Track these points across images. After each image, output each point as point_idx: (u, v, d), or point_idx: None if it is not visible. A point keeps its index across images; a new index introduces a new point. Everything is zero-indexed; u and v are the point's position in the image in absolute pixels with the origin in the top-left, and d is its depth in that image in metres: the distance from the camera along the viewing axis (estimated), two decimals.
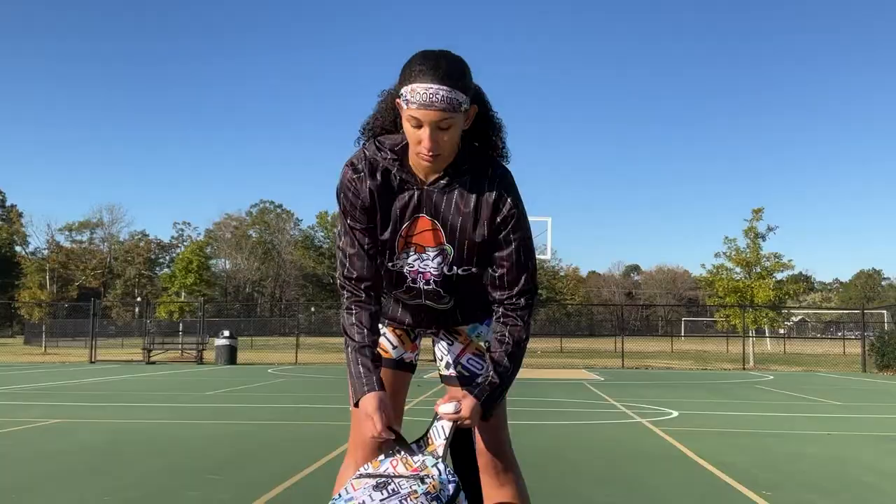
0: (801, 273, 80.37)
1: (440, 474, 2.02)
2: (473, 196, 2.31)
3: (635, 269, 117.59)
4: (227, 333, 27.49)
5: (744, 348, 29.98)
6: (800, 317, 62.99)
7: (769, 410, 12.02)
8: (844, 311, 71.21)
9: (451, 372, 2.54)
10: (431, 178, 2.31)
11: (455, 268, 2.35)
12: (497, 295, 2.34)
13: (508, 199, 2.30)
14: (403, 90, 2.18)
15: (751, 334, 32.04)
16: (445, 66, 2.17)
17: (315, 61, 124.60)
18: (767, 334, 45.11)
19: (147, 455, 6.73)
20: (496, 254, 2.33)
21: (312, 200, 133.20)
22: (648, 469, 6.29)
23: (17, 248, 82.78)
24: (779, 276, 32.46)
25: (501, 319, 2.34)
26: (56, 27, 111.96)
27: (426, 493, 1.95)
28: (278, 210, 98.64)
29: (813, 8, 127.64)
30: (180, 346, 32.61)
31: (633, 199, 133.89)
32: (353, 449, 2.54)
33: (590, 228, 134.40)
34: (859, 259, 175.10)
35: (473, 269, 2.36)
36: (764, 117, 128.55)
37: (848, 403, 13.52)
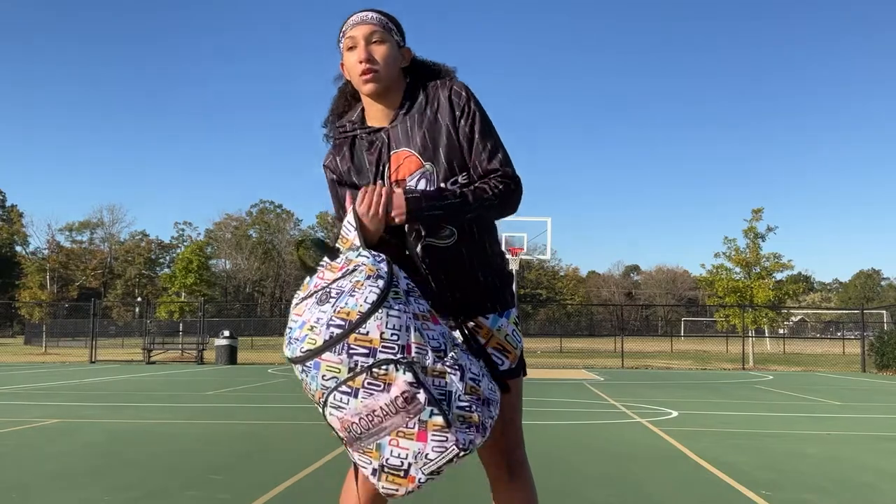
0: (800, 273, 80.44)
1: (370, 258, 1.99)
2: (431, 106, 2.33)
3: (635, 269, 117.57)
4: (227, 333, 27.48)
5: (743, 348, 29.99)
6: (799, 317, 63.00)
7: (769, 410, 12.03)
8: (844, 312, 71.21)
9: None
10: (391, 118, 2.35)
11: (444, 185, 2.30)
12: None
13: (462, 93, 2.32)
14: (340, 34, 2.35)
15: (750, 334, 32.05)
16: (374, 7, 2.36)
17: (316, 60, 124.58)
18: (767, 334, 45.13)
19: (147, 455, 6.73)
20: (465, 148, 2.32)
21: (312, 200, 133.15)
22: (648, 469, 6.29)
23: (18, 248, 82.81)
24: (778, 276, 32.51)
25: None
26: (56, 27, 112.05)
27: (367, 277, 1.93)
28: (278, 210, 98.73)
29: (813, 9, 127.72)
30: (180, 346, 32.63)
31: (633, 199, 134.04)
32: None
33: (590, 228, 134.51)
34: (859, 259, 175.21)
35: (460, 179, 2.30)
36: (764, 117, 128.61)
37: (847, 403, 13.52)
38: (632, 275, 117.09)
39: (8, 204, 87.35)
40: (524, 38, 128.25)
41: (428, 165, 2.31)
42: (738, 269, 32.00)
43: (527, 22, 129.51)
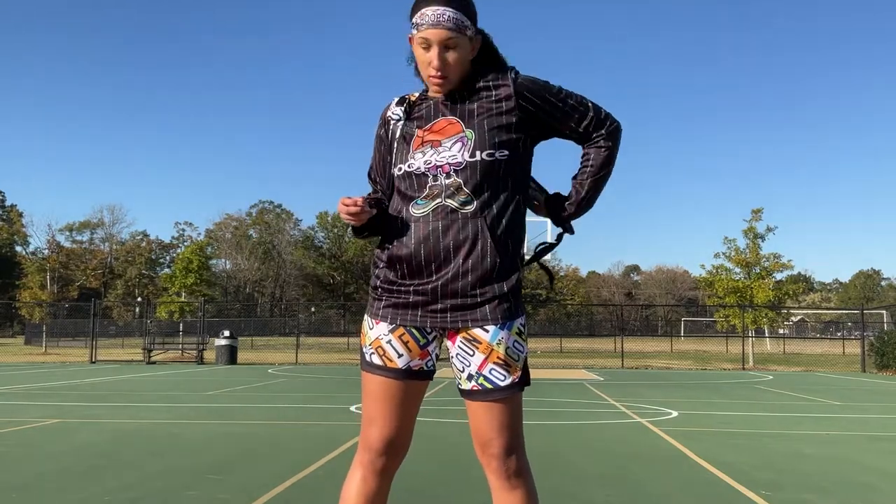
0: (800, 273, 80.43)
1: None
2: (489, 92, 2.41)
3: (635, 269, 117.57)
4: (227, 333, 27.47)
5: (743, 348, 29.98)
6: (799, 317, 63.01)
7: (769, 410, 12.02)
8: (844, 312, 71.22)
9: (473, 385, 2.38)
10: (447, 95, 2.44)
11: (478, 153, 2.35)
12: (585, 141, 2.48)
13: (523, 75, 2.43)
14: (414, 18, 2.35)
15: (750, 334, 32.04)
16: None
17: (316, 63, 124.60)
18: (767, 334, 45.13)
19: (147, 455, 6.73)
20: (556, 120, 2.42)
21: (312, 200, 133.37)
22: (648, 469, 6.29)
23: (18, 249, 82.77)
24: (778, 276, 32.51)
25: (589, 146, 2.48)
26: (57, 26, 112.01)
27: None
28: (278, 210, 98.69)
29: (811, 9, 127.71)
30: (180, 346, 32.62)
31: (633, 199, 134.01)
32: (361, 447, 2.45)
33: (590, 228, 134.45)
34: (859, 259, 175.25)
35: (497, 154, 2.36)
36: (764, 117, 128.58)
37: (847, 403, 13.52)
38: (632, 275, 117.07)
39: (8, 204, 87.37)
40: (520, 35, 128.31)
41: (468, 132, 2.37)
42: (737, 270, 32.00)
43: (524, 16, 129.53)
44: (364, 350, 2.46)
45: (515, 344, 2.38)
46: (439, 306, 2.37)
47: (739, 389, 16.95)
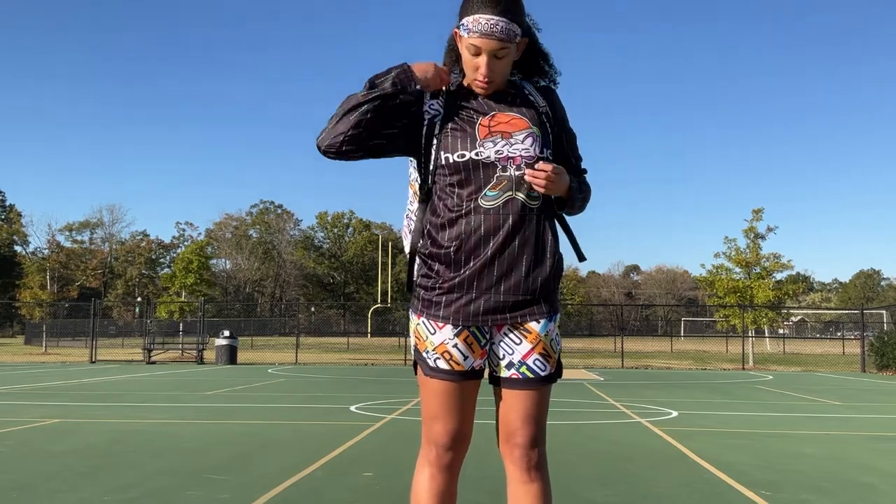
0: (800, 273, 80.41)
1: None
2: (526, 96, 2.50)
3: (635, 269, 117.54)
4: (227, 333, 27.47)
5: (743, 348, 29.99)
6: (799, 317, 63.01)
7: (769, 410, 12.03)
8: (844, 312, 71.22)
9: (513, 373, 2.42)
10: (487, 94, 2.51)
11: (545, 150, 2.43)
12: None
13: (556, 93, 2.57)
14: (465, 20, 2.37)
15: (750, 334, 32.04)
16: (505, 1, 2.36)
17: (316, 62, 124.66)
18: (767, 334, 45.13)
19: (147, 455, 6.73)
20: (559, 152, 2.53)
21: (312, 201, 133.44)
22: (648, 469, 6.29)
23: (18, 248, 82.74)
24: (778, 276, 32.52)
25: None
26: (56, 24, 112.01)
27: None
28: (278, 210, 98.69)
29: (812, 11, 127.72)
30: (181, 345, 32.62)
31: (633, 199, 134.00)
32: (427, 444, 2.47)
33: (590, 228, 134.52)
34: (859, 259, 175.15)
35: (550, 155, 2.45)
36: (763, 117, 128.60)
37: (847, 403, 13.52)
38: (632, 275, 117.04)
39: (8, 204, 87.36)
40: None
41: (535, 129, 2.42)
42: (738, 269, 32.01)
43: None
44: (425, 355, 2.44)
45: (556, 336, 2.48)
46: (501, 304, 2.39)
47: (739, 389, 16.95)
